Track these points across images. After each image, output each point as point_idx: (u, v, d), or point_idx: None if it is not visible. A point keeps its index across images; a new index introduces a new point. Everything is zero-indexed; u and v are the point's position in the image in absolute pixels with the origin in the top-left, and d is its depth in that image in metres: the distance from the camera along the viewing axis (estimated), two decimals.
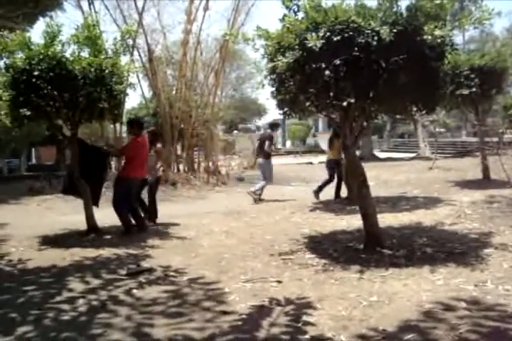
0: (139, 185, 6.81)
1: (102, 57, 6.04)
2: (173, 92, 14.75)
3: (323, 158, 22.76)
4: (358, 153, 5.78)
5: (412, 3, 4.36)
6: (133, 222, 6.57)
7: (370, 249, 4.84)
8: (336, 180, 8.94)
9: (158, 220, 7.24)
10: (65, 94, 5.81)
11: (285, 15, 4.50)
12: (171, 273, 4.44)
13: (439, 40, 4.30)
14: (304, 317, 3.20)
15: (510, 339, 2.80)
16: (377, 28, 4.11)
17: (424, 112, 5.07)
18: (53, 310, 3.58)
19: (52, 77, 5.64)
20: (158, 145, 7.62)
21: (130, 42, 9.60)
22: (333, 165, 9.00)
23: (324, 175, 9.22)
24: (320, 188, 8.94)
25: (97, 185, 6.71)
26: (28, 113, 5.90)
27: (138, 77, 13.62)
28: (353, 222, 6.32)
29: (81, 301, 3.75)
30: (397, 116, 7.24)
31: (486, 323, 2.99)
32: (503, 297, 3.42)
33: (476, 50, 11.35)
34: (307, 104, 4.76)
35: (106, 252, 5.41)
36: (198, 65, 14.93)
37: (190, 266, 4.68)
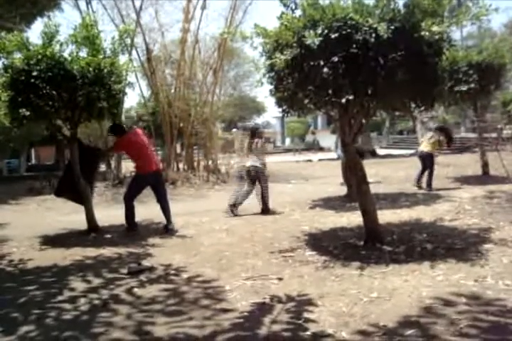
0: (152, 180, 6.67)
1: (101, 56, 6.03)
2: (172, 91, 14.75)
3: (323, 155, 22.64)
4: None
5: None
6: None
7: (370, 245, 4.86)
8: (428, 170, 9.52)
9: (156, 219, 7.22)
10: (64, 93, 5.82)
11: (283, 12, 4.49)
12: (172, 272, 4.46)
13: (436, 37, 4.30)
14: (305, 314, 3.21)
15: (510, 334, 2.81)
16: (375, 25, 4.10)
17: (422, 108, 5.07)
18: (55, 309, 3.60)
19: (50, 77, 5.64)
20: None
21: (128, 41, 9.62)
22: (426, 157, 9.62)
23: (323, 172, 9.22)
24: (428, 182, 9.47)
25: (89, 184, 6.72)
26: (28, 113, 5.90)
27: (136, 76, 13.59)
28: (353, 218, 6.34)
29: (82, 300, 3.77)
30: (396, 113, 7.27)
31: (486, 318, 3.00)
32: (503, 292, 3.44)
33: (474, 46, 11.34)
34: (306, 101, 4.76)
35: (107, 251, 5.42)
36: (196, 63, 14.93)
37: (191, 264, 4.69)
